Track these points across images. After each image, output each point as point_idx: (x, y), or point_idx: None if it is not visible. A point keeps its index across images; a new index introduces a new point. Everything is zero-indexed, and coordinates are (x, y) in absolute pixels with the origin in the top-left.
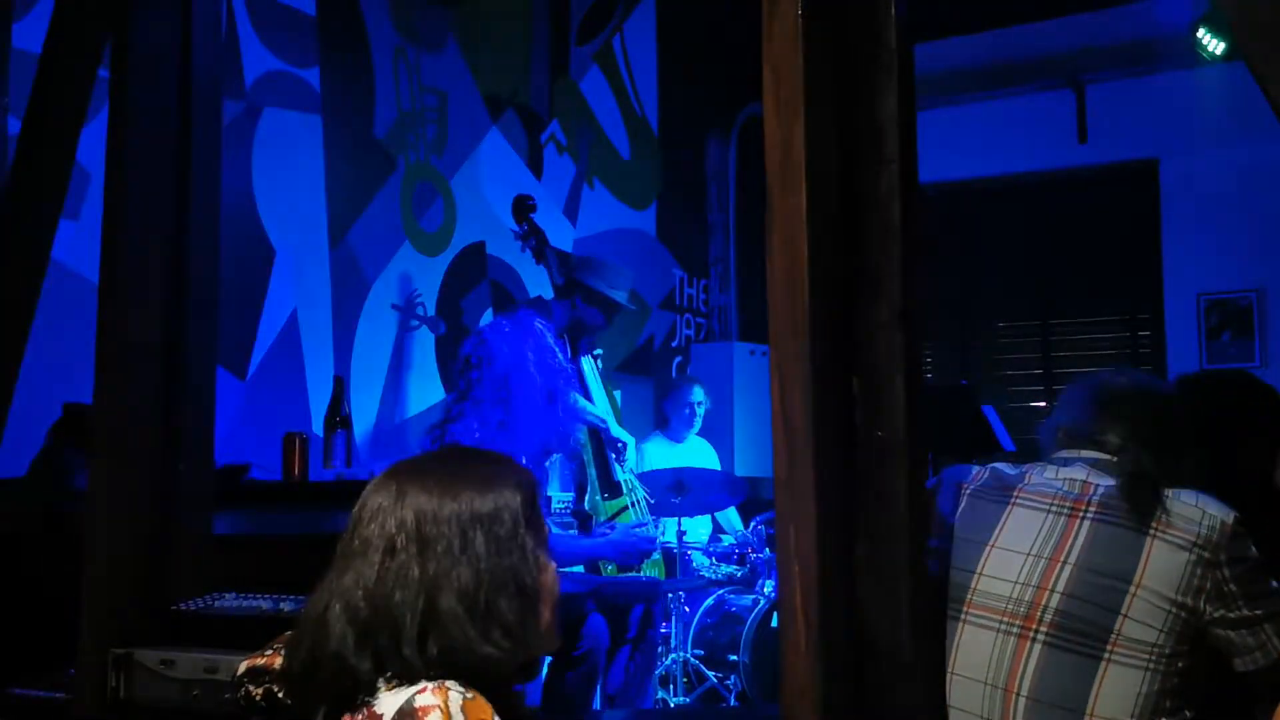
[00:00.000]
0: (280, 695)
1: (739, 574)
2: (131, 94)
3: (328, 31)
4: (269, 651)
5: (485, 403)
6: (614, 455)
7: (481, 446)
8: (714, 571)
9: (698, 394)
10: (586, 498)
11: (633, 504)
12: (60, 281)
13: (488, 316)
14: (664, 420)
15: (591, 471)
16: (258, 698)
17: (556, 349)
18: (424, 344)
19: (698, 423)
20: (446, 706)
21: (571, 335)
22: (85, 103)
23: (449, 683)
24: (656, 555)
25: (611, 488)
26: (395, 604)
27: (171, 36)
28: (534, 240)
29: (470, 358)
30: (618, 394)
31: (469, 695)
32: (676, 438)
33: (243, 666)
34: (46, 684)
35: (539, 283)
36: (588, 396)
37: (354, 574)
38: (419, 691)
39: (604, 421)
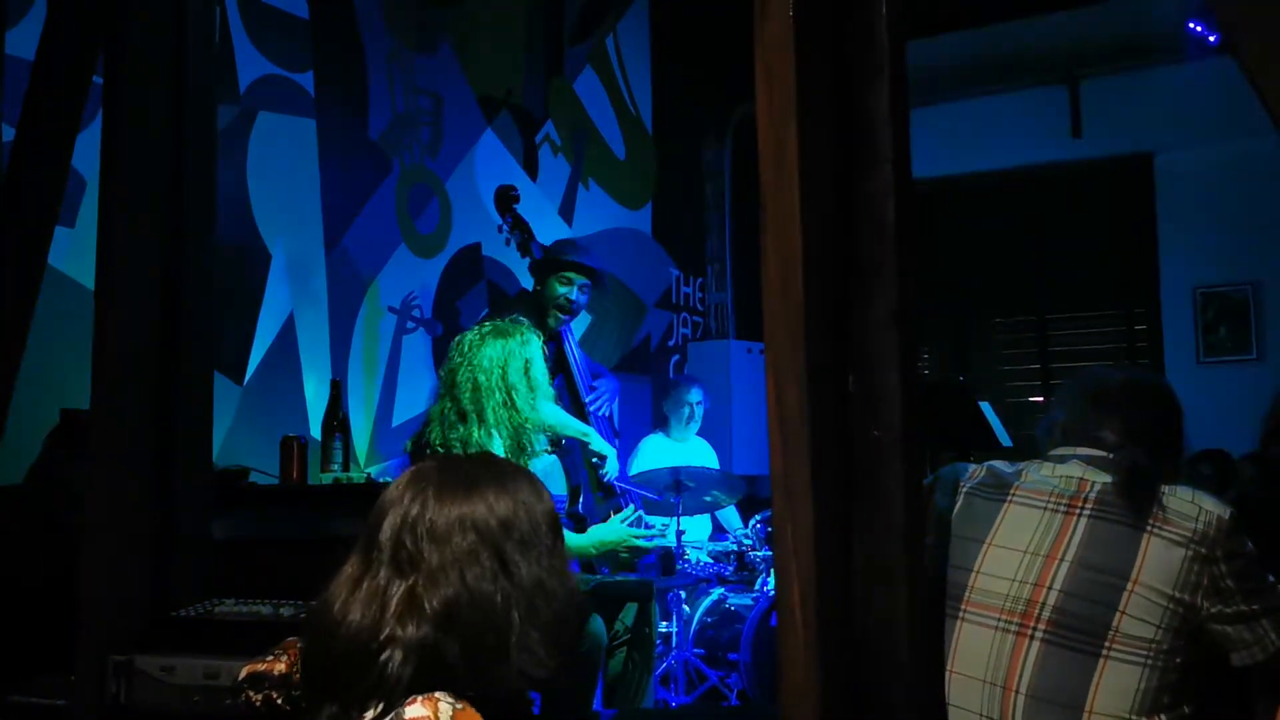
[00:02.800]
0: (279, 701)
1: (729, 571)
2: (126, 100)
3: (321, 35)
4: (269, 657)
5: (458, 404)
6: (592, 467)
7: (451, 449)
8: (703, 569)
9: (696, 394)
10: (581, 500)
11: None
12: (56, 288)
13: (484, 316)
14: (663, 420)
15: (584, 474)
16: (257, 703)
17: (539, 356)
18: (421, 346)
19: (697, 423)
20: (436, 717)
21: (560, 338)
22: (80, 109)
23: (438, 694)
24: (655, 558)
25: (605, 489)
26: (484, 611)
27: (165, 42)
28: (519, 234)
29: (450, 359)
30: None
31: (459, 705)
32: (676, 437)
33: (244, 672)
34: (47, 691)
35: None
36: (579, 404)
37: (405, 574)
38: (408, 704)
39: (586, 437)
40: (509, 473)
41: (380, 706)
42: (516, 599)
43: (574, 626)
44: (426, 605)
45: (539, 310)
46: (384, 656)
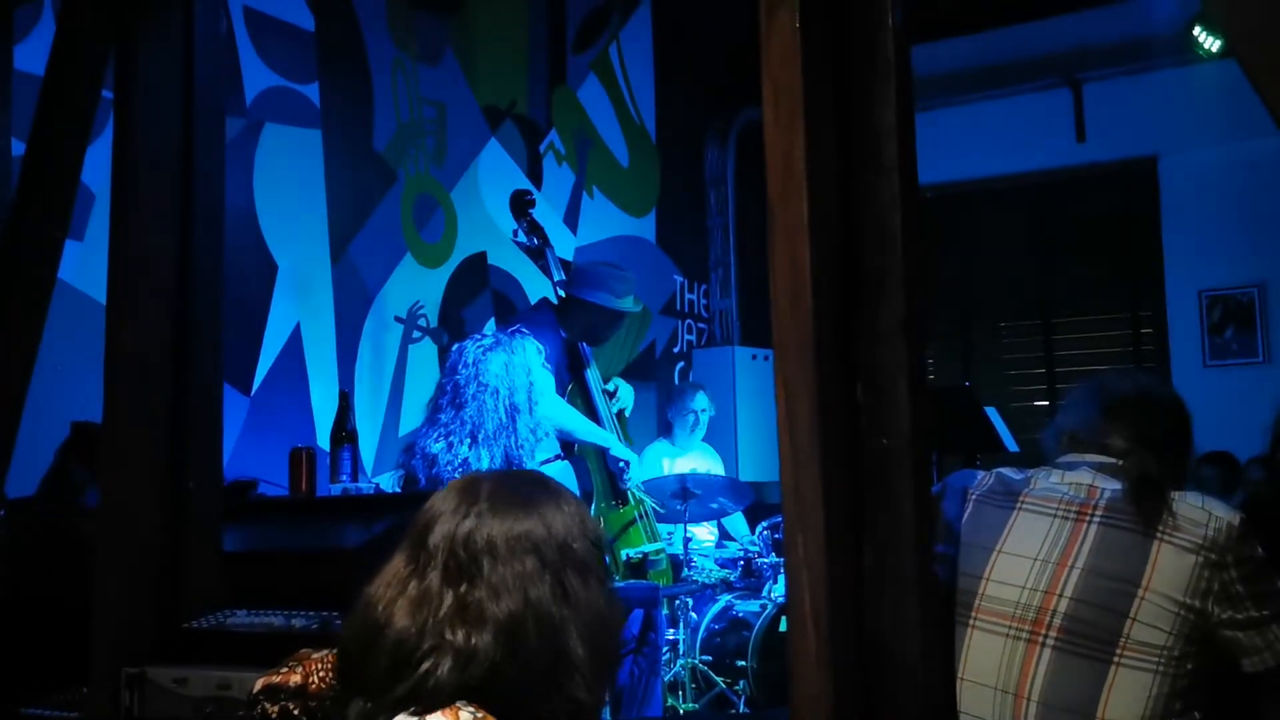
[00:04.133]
0: (297, 713)
1: (734, 578)
2: (135, 113)
3: (326, 47)
4: (284, 669)
5: (441, 414)
6: (616, 473)
7: (436, 459)
8: (707, 575)
9: (701, 401)
10: (593, 507)
11: (640, 517)
12: (67, 301)
13: (490, 327)
14: (668, 427)
15: (597, 480)
16: (274, 714)
17: (531, 367)
18: (427, 356)
19: (702, 430)
20: None
21: (577, 345)
22: (89, 123)
23: (459, 702)
24: (664, 565)
25: (618, 496)
26: (544, 631)
27: (174, 56)
28: (535, 239)
29: (455, 370)
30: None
31: (479, 715)
32: (681, 445)
33: (259, 684)
34: (60, 703)
35: (540, 290)
36: (593, 411)
37: (457, 582)
38: (429, 714)
39: (606, 443)
40: (563, 495)
41: (416, 711)
42: (574, 623)
43: (619, 657)
44: (487, 616)
45: (573, 326)
46: (428, 664)
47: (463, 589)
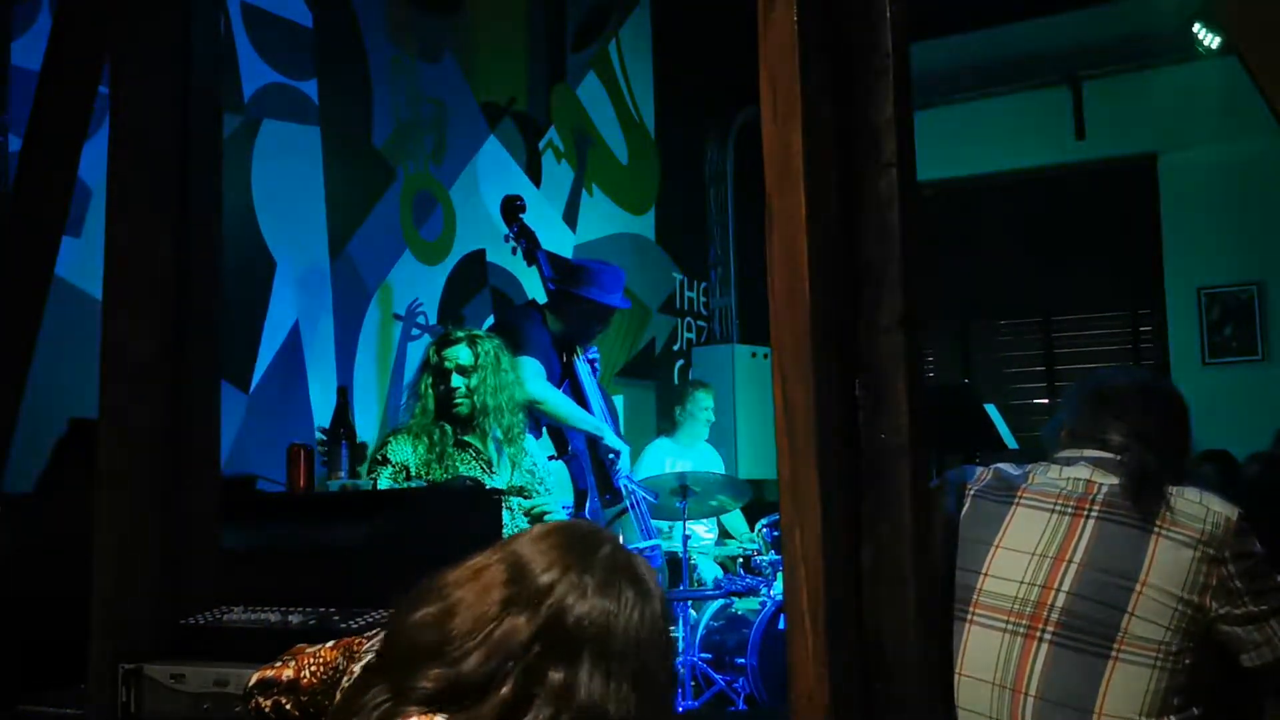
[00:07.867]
0: (289, 707)
1: (741, 584)
2: (132, 110)
3: (325, 43)
4: (279, 663)
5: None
6: (607, 464)
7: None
8: (729, 581)
9: (711, 400)
10: (587, 505)
11: (631, 506)
12: (64, 298)
13: (489, 324)
14: (673, 426)
15: (590, 479)
16: (266, 709)
17: (504, 358)
18: None
19: (708, 429)
20: None
21: (567, 341)
22: (86, 119)
23: (439, 717)
24: (662, 562)
25: (612, 493)
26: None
27: (171, 51)
28: (524, 242)
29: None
30: (618, 399)
31: None
32: (685, 443)
33: (254, 678)
34: (57, 700)
35: (538, 287)
36: (584, 402)
37: (551, 651)
38: (405, 714)
39: (599, 431)
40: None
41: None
42: None
43: None
44: (574, 703)
45: (562, 323)
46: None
47: (551, 653)
